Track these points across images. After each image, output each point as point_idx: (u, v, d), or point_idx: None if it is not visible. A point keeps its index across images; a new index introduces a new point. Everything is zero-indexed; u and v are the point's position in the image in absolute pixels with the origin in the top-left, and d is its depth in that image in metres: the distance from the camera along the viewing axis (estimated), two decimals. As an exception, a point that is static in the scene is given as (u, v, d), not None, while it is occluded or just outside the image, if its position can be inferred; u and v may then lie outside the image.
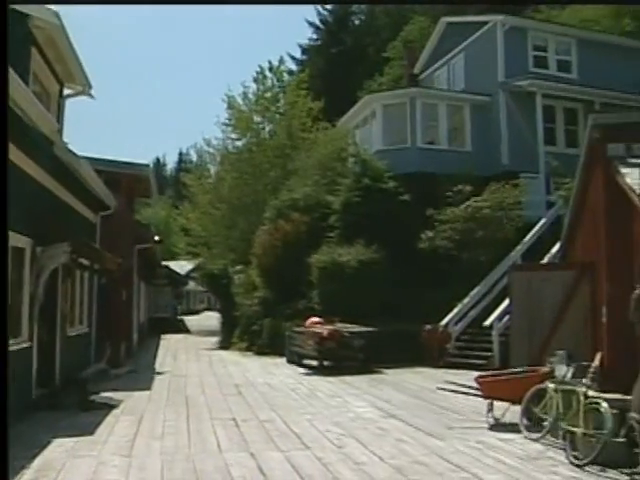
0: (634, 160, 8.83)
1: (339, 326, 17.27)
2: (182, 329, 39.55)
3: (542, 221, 20.11)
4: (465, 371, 15.03)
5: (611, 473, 7.02)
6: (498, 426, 9.51)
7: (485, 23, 24.82)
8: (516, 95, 23.16)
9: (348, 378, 15.31)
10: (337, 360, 16.91)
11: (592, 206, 10.52)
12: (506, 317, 15.17)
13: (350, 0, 51.47)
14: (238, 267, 28.30)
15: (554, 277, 11.52)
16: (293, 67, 48.75)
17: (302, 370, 17.28)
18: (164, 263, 42.03)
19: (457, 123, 24.65)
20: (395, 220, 20.02)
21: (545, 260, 17.31)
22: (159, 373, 17.33)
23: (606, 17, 31.50)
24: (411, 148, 23.61)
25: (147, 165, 21.87)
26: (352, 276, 18.94)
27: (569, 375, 8.59)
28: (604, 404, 7.37)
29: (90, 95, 16.06)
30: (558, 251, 14.90)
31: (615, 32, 28.10)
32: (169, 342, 29.80)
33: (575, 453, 7.56)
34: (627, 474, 6.94)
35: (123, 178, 18.77)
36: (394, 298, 18.57)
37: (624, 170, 8.47)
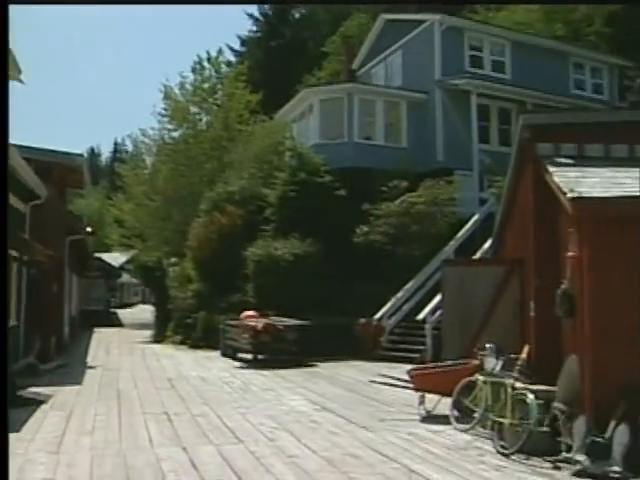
0: (562, 160, 9.09)
1: (274, 319, 17.28)
2: (115, 322, 38.82)
3: (475, 217, 20.56)
4: (398, 364, 15.22)
5: (535, 461, 7.29)
6: (429, 418, 9.71)
7: (423, 22, 25.14)
8: (452, 93, 23.55)
9: (282, 372, 15.34)
10: (272, 353, 16.93)
11: (522, 204, 10.79)
12: (439, 311, 15.37)
13: (292, 0, 51.13)
14: (173, 260, 27.95)
15: (485, 272, 11.79)
16: (232, 58, 48.39)
17: (236, 364, 17.22)
18: (97, 255, 41.19)
19: (394, 119, 24.93)
20: (331, 214, 20.13)
21: (477, 256, 17.70)
22: (91, 367, 17.00)
23: (539, 21, 32.37)
24: (348, 143, 23.76)
25: (80, 154, 21.30)
26: (287, 270, 18.97)
27: (498, 368, 8.81)
28: (530, 395, 7.63)
29: (20, 80, 15.50)
30: (490, 247, 15.26)
31: (547, 36, 28.90)
32: (102, 336, 29.19)
33: (502, 443, 7.80)
34: (550, 461, 7.21)
35: (55, 167, 18.26)
36: (329, 292, 18.69)
37: (552, 169, 8.70)
